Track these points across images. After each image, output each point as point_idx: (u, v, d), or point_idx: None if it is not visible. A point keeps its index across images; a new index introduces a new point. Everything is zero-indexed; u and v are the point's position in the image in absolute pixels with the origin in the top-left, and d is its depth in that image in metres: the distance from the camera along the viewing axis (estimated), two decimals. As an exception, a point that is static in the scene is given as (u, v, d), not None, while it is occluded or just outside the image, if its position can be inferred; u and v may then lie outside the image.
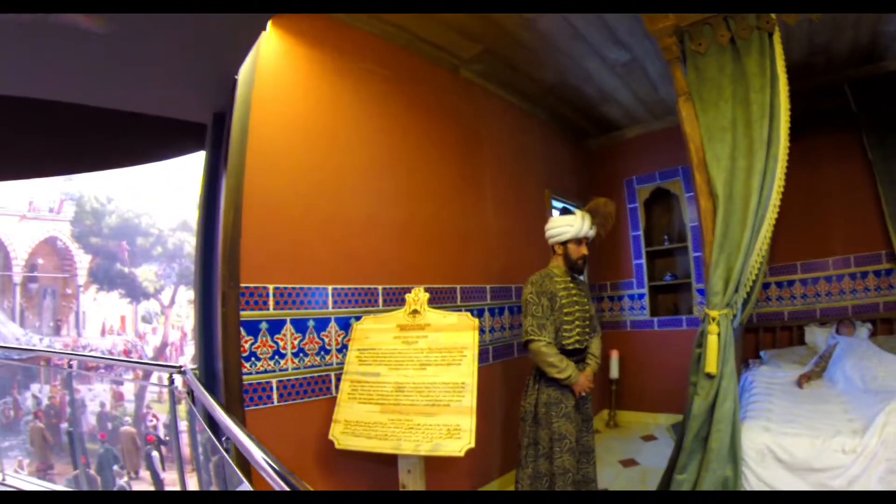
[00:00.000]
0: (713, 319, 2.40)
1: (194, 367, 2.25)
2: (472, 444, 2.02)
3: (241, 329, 2.10)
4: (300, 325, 2.32)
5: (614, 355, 4.49)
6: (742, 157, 2.38)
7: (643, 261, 4.56)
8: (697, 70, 2.56)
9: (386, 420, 2.12)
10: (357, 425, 2.13)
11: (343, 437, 2.12)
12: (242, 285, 2.12)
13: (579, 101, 4.20)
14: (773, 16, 2.32)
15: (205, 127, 2.58)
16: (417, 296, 2.48)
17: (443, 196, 3.19)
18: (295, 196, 2.37)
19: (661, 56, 3.65)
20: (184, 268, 13.04)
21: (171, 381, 2.36)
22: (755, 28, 2.36)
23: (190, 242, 12.77)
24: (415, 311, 2.44)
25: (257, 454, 1.25)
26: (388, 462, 2.21)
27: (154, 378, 2.90)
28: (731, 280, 2.39)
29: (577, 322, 2.60)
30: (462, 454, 2.00)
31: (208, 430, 1.83)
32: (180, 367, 2.30)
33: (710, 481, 2.29)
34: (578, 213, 2.64)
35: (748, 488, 2.32)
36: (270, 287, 2.23)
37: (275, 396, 2.19)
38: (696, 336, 2.52)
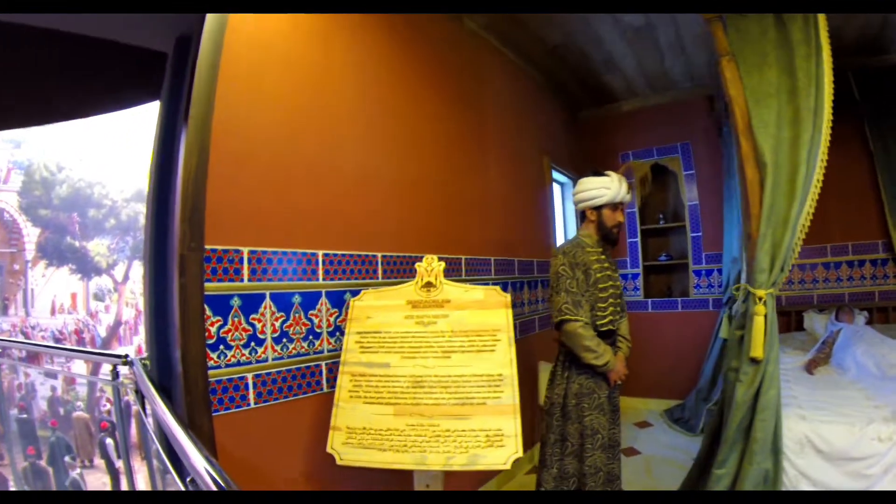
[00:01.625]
0: (759, 299, 1.94)
1: (144, 357, 1.55)
2: (520, 453, 1.45)
3: (206, 307, 1.42)
4: (283, 302, 1.66)
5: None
6: (787, 126, 1.95)
7: (638, 239, 4.11)
8: (738, 31, 2.09)
9: (403, 425, 1.51)
10: (365, 433, 1.51)
11: (347, 449, 1.48)
12: (208, 247, 1.43)
13: (582, 67, 3.63)
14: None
15: (165, 57, 1.82)
16: (431, 265, 1.87)
17: (444, 155, 2.56)
18: (277, 134, 1.69)
19: (676, 22, 3.18)
20: (138, 241, 11.48)
21: (116, 375, 1.64)
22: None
23: (144, 214, 11.37)
24: (429, 285, 1.82)
25: None
26: (401, 473, 1.62)
27: (102, 368, 2.15)
28: (778, 257, 1.95)
29: (610, 300, 2.08)
30: (509, 466, 1.43)
31: (163, 455, 1.16)
32: (125, 356, 1.59)
33: (752, 475, 1.87)
34: (613, 174, 2.10)
35: (786, 481, 1.95)
36: (245, 251, 1.55)
37: (251, 396, 1.53)
38: (735, 317, 2.07)
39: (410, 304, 1.78)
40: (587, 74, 3.76)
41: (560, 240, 3.94)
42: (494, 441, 1.46)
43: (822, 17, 1.95)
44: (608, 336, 2.05)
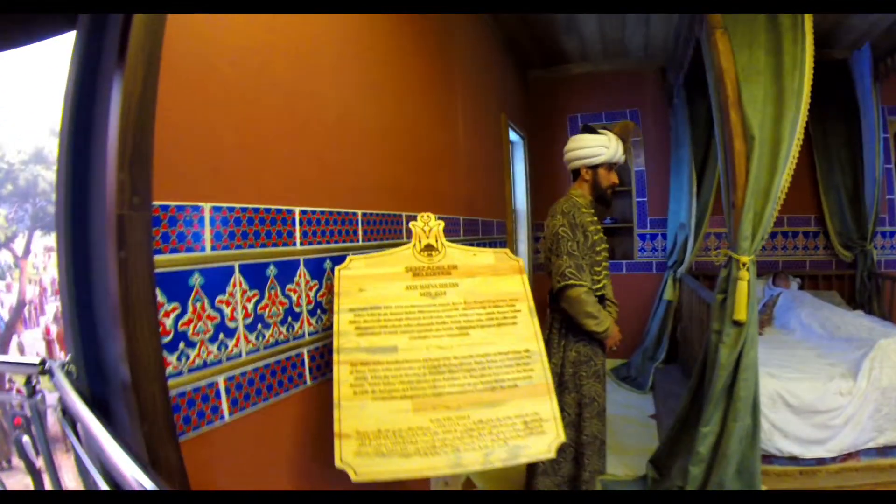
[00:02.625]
0: (743, 265, 2.02)
1: (67, 361, 1.03)
2: (562, 438, 1.30)
3: (158, 290, 0.98)
4: (255, 275, 1.25)
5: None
6: (771, 104, 2.03)
7: None
8: None
9: (427, 422, 1.25)
10: (381, 437, 1.21)
11: (362, 461, 1.17)
12: (157, 203, 0.97)
13: (543, 26, 3.40)
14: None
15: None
16: (428, 224, 1.58)
17: (419, 102, 2.20)
18: (246, 52, 1.21)
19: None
20: (39, 209, 9.09)
21: (33, 392, 1.08)
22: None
23: (45, 177, 8.88)
24: (429, 248, 1.54)
25: None
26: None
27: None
28: (760, 226, 2.04)
29: (604, 263, 2.00)
30: (553, 454, 1.28)
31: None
32: (42, 363, 1.04)
33: (736, 431, 1.99)
34: (610, 133, 1.98)
35: (762, 434, 2.12)
36: (206, 207, 1.10)
37: (225, 406, 1.14)
38: (717, 282, 2.14)
39: (410, 271, 1.49)
40: (545, 34, 3.55)
41: (518, 202, 3.83)
42: (534, 428, 1.29)
43: None
44: (601, 301, 1.98)
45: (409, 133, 2.09)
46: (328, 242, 1.52)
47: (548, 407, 1.33)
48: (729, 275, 2.06)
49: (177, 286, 1.03)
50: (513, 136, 3.74)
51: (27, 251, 9.72)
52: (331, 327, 1.49)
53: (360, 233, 1.68)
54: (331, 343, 1.49)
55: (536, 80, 4.25)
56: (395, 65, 1.99)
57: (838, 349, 2.50)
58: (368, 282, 1.45)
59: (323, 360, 1.48)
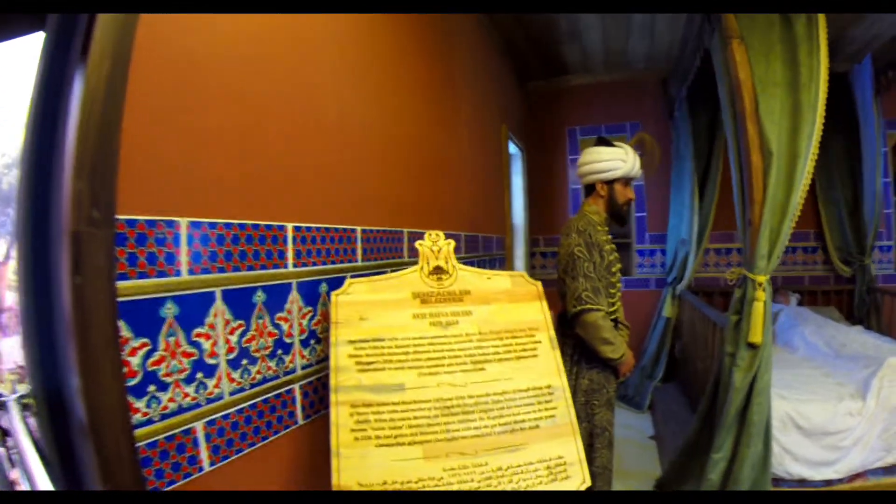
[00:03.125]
0: (759, 285, 1.92)
1: (25, 395, 0.84)
2: (588, 482, 1.15)
3: (123, 323, 0.81)
4: (240, 303, 1.09)
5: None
6: (787, 117, 1.96)
7: None
8: (748, 18, 2.01)
9: (440, 472, 1.09)
10: (387, 490, 1.05)
11: None
12: (122, 218, 0.81)
13: (544, 34, 3.31)
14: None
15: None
16: (437, 244, 1.44)
17: (421, 105, 2.07)
18: (236, 46, 1.06)
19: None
20: None
21: None
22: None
23: None
24: (439, 270, 1.40)
25: None
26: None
27: None
28: (777, 244, 1.95)
29: (618, 284, 1.88)
30: None
31: None
32: None
33: (749, 457, 1.88)
34: (625, 146, 1.87)
35: (773, 458, 2.02)
36: (182, 223, 0.94)
37: (204, 455, 0.96)
38: (731, 303, 2.04)
39: (418, 297, 1.34)
40: (546, 42, 3.46)
41: (515, 217, 3.71)
42: (558, 473, 1.14)
43: (822, 18, 1.94)
44: (615, 324, 1.85)
45: (410, 139, 1.95)
46: (324, 263, 1.36)
47: (573, 449, 1.18)
48: (744, 295, 1.96)
49: (146, 318, 0.86)
50: (511, 148, 3.64)
51: (7, 257, 9.28)
52: (326, 359, 1.33)
53: (359, 252, 1.52)
54: (326, 376, 1.33)
55: (535, 90, 4.18)
56: (396, 65, 1.85)
57: (845, 368, 2.44)
58: (370, 309, 1.29)
59: (317, 395, 1.31)
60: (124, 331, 0.82)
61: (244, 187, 1.10)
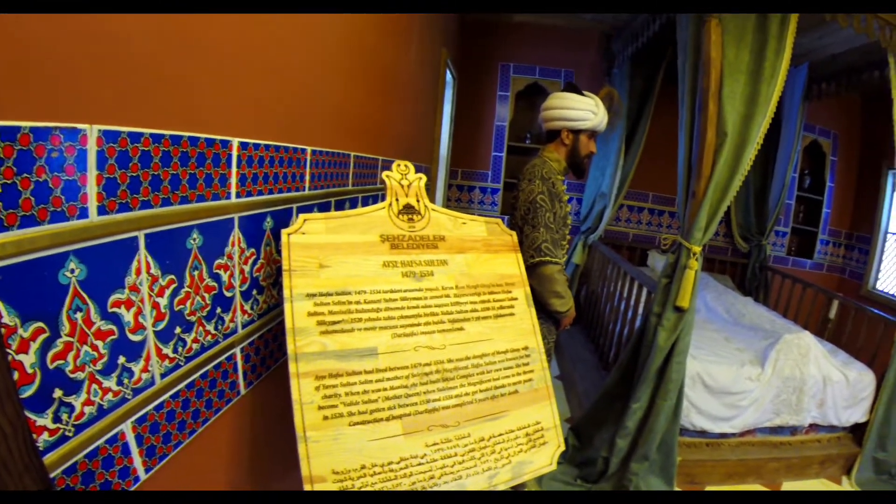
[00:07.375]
0: (693, 254, 2.08)
1: None
2: (562, 447, 1.17)
3: (1, 304, 0.50)
4: (171, 251, 0.77)
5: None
6: (745, 104, 2.03)
7: (503, 154, 3.93)
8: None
9: (422, 448, 0.99)
10: (366, 475, 0.91)
11: None
12: (-6, 126, 0.46)
13: None
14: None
15: None
16: (407, 177, 1.23)
17: (378, 17, 1.66)
18: None
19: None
20: None
21: None
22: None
23: None
24: (409, 209, 1.20)
25: None
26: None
27: None
28: (714, 219, 2.10)
29: (568, 237, 1.87)
30: (555, 466, 1.15)
31: None
32: None
33: (665, 409, 2.13)
34: (595, 97, 1.76)
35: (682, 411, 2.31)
36: (91, 134, 0.59)
37: (137, 460, 0.71)
38: (663, 266, 2.19)
39: (387, 241, 1.14)
40: None
41: (442, 149, 3.43)
42: (536, 439, 1.13)
43: (793, 21, 1.97)
44: (561, 275, 1.86)
45: (364, 49, 1.57)
46: (270, 192, 1.05)
47: (549, 413, 1.18)
48: (677, 261, 2.11)
49: (37, 289, 0.55)
50: (448, 76, 3.30)
51: None
52: (268, 311, 1.09)
53: (307, 178, 1.21)
54: (269, 333, 1.10)
55: (473, 21, 3.81)
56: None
57: (744, 335, 2.81)
58: (332, 254, 1.05)
59: (258, 357, 1.08)
60: (5, 315, 0.51)
61: (179, 83, 0.73)
